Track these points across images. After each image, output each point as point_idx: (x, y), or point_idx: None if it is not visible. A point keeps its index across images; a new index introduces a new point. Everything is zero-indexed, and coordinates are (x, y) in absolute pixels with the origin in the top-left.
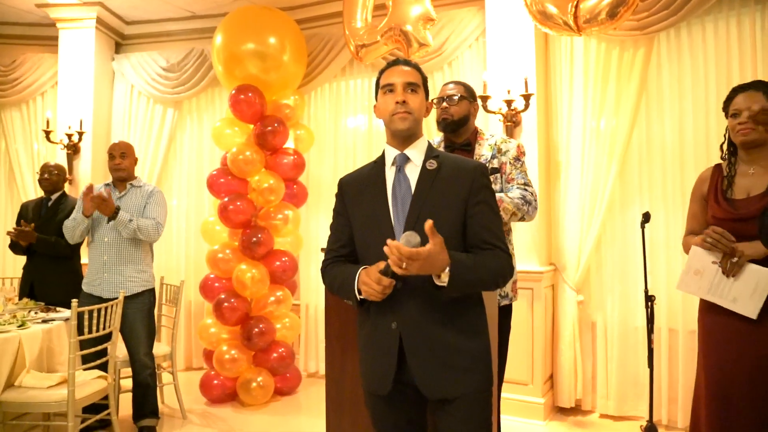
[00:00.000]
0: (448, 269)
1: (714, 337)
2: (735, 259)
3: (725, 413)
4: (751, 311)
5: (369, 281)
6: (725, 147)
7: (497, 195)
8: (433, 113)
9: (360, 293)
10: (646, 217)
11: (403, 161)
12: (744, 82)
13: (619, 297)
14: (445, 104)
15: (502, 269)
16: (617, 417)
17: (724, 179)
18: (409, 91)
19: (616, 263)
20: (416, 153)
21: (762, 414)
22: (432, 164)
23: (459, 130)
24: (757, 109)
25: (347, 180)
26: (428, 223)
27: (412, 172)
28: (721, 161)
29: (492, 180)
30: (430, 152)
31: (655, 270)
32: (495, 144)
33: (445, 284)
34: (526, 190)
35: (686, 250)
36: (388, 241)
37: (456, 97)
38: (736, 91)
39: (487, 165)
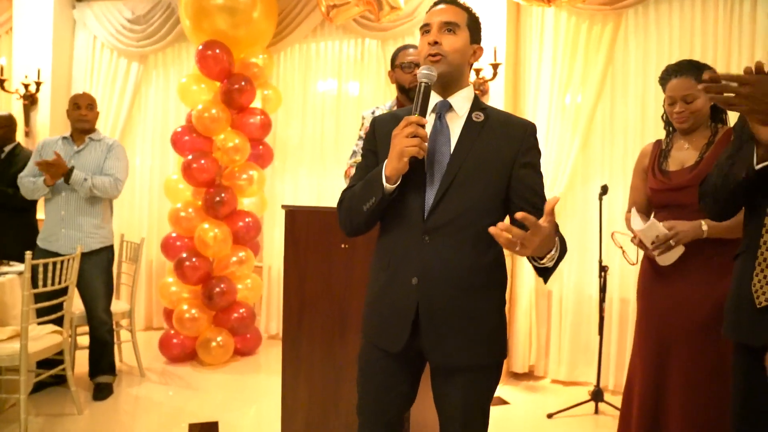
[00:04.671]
0: (555, 249)
1: (652, 306)
2: (672, 243)
3: (659, 380)
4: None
5: (396, 133)
6: (664, 119)
7: None
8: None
9: (387, 180)
10: (604, 190)
11: (444, 108)
12: (704, 61)
13: (576, 267)
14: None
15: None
16: (567, 382)
17: (662, 152)
18: (445, 31)
19: (575, 234)
20: (461, 102)
21: (693, 379)
22: (479, 116)
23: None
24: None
25: (382, 118)
26: (553, 201)
27: (454, 122)
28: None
29: None
30: (477, 104)
31: (610, 242)
32: None
33: (551, 264)
34: None
35: (628, 225)
36: (500, 226)
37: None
38: (669, 73)
39: None
